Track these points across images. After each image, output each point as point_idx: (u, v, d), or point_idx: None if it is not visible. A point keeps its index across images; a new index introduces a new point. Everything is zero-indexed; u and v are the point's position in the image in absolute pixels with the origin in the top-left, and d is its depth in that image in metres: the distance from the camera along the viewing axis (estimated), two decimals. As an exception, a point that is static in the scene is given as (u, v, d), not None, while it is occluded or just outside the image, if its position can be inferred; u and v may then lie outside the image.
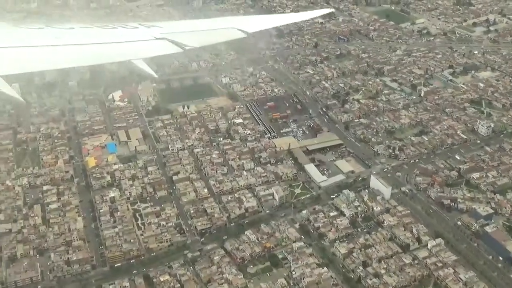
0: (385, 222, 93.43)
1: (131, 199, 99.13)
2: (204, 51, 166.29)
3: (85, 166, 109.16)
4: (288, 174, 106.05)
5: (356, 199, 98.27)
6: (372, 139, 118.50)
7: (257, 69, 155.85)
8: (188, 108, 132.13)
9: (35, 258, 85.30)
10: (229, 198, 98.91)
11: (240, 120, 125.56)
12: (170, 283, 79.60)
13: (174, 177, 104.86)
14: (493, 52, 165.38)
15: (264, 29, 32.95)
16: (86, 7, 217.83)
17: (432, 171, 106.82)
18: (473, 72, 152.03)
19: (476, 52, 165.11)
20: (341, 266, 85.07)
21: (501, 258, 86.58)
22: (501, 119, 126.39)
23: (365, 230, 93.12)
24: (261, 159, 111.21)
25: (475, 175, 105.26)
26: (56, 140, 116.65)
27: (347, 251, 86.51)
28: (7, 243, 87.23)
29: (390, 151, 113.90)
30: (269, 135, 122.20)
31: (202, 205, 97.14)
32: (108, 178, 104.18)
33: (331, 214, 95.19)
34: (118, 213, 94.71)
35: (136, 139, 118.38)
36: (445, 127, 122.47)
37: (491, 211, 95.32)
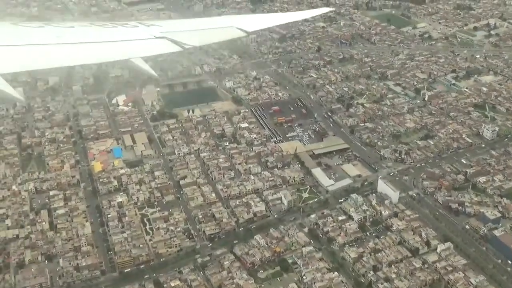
0: (393, 226, 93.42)
1: (138, 204, 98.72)
2: (207, 55, 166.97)
3: (91, 171, 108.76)
4: (295, 178, 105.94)
5: (364, 203, 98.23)
6: (378, 143, 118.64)
7: (260, 73, 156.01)
8: (193, 112, 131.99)
9: (43, 264, 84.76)
10: (237, 203, 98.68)
11: (246, 124, 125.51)
12: (180, 289, 79.28)
13: (181, 182, 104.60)
14: (495, 56, 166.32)
15: (264, 28, 32.93)
16: (87, 11, 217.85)
17: (439, 175, 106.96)
18: (475, 76, 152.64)
19: (478, 56, 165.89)
20: (351, 270, 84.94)
21: (510, 262, 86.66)
22: (506, 123, 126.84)
23: (374, 234, 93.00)
24: (268, 163, 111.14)
25: (482, 179, 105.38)
26: (61, 145, 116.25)
27: (357, 256, 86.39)
28: (15, 248, 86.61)
29: (397, 155, 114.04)
30: (275, 139, 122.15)
31: (210, 210, 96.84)
32: (115, 182, 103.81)
33: (340, 218, 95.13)
34: (126, 218, 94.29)
35: (142, 143, 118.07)
36: (450, 131, 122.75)
37: (499, 215, 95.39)
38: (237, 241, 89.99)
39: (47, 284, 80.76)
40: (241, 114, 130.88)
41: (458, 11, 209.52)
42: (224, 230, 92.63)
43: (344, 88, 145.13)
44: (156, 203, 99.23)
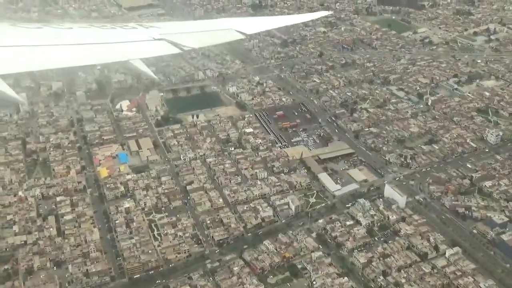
0: (401, 231, 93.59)
1: (146, 209, 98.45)
2: (209, 60, 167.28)
3: (97, 176, 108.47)
4: (302, 183, 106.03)
5: (372, 208, 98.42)
6: (383, 148, 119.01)
7: (263, 78, 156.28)
8: (198, 117, 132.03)
9: (52, 270, 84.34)
10: (245, 208, 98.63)
11: (251, 130, 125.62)
12: (191, 294, 79.16)
13: (188, 187, 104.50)
14: (496, 61, 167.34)
15: (263, 30, 32.93)
16: (87, 16, 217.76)
17: (445, 179, 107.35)
18: (477, 81, 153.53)
19: (479, 61, 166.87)
20: (361, 275, 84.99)
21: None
22: (509, 128, 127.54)
23: (382, 239, 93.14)
24: (274, 169, 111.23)
25: (488, 183, 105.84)
26: (66, 150, 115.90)
27: (366, 261, 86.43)
28: (23, 255, 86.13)
29: (402, 159, 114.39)
30: (280, 144, 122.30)
31: (218, 215, 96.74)
32: (122, 188, 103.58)
33: (348, 223, 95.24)
34: (134, 224, 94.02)
35: (147, 149, 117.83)
36: (454, 135, 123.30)
37: (506, 219, 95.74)
38: (246, 246, 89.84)
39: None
40: (245, 119, 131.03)
41: (458, 16, 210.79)
42: (233, 235, 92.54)
43: (347, 93, 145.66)
44: (163, 208, 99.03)
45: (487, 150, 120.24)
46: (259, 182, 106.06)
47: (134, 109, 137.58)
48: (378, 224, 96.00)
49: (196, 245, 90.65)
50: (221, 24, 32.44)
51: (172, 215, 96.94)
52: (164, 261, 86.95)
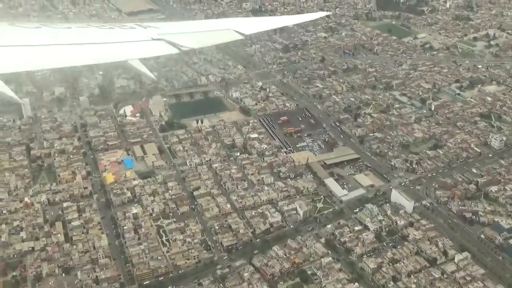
0: (410, 236, 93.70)
1: (153, 215, 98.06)
2: (212, 65, 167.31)
3: (103, 182, 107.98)
4: (308, 189, 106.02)
5: (379, 213, 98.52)
6: (388, 153, 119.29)
7: (266, 83, 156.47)
8: (202, 122, 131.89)
9: (61, 276, 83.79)
10: (253, 213, 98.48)
11: (256, 135, 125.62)
12: (202, 301, 78.80)
13: (195, 193, 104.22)
14: (496, 66, 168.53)
15: (262, 31, 32.67)
16: (87, 21, 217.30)
17: (451, 184, 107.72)
18: (479, 86, 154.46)
19: (480, 66, 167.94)
20: (371, 281, 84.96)
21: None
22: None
23: (390, 244, 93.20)
24: (280, 174, 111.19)
25: (493, 188, 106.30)
26: (71, 156, 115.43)
27: (376, 266, 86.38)
28: (32, 261, 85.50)
29: (408, 165, 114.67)
30: (285, 149, 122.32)
31: (226, 221, 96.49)
32: (128, 194, 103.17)
33: (356, 228, 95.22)
34: (142, 229, 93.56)
35: (153, 154, 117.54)
36: (459, 140, 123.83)
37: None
38: (256, 251, 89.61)
39: (66, 298, 79.85)
40: (250, 124, 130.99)
41: (457, 21, 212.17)
42: (241, 241, 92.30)
43: (351, 98, 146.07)
44: (171, 214, 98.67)
45: (491, 155, 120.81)
46: (266, 188, 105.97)
47: (138, 114, 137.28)
48: (386, 229, 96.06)
49: (205, 251, 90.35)
50: (219, 25, 32.20)
51: (180, 221, 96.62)
52: (173, 267, 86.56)
